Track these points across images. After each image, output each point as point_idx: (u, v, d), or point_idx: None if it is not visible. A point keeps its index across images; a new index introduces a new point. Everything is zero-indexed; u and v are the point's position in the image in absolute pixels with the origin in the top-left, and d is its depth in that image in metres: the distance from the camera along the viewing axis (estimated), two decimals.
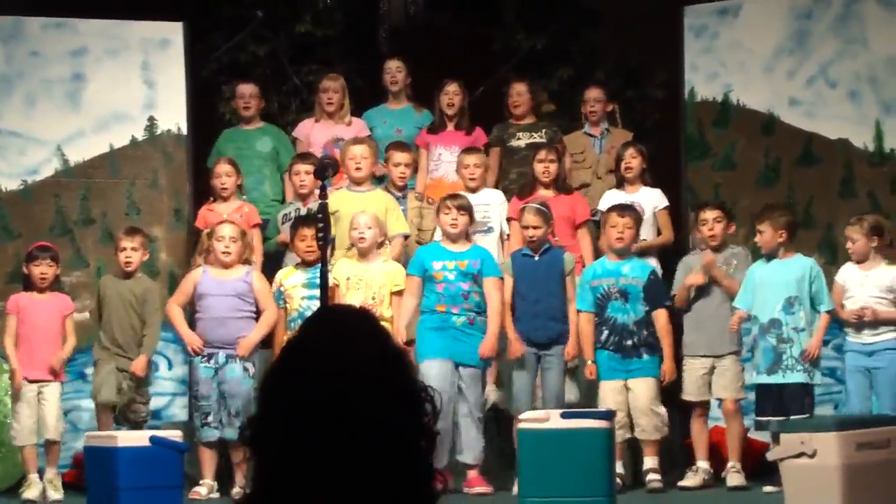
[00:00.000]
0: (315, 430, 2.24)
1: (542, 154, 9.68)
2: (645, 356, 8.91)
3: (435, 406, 2.32)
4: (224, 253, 9.11)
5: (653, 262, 9.34)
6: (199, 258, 9.37)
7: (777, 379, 8.80)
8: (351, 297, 8.92)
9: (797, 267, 8.82)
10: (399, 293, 9.02)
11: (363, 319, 2.37)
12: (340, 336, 2.32)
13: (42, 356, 9.15)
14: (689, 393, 9.06)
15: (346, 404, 2.24)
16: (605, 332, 8.94)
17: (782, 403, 8.75)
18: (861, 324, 8.78)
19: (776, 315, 8.81)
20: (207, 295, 9.13)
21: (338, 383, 2.25)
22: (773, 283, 8.82)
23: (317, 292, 9.03)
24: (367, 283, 9.01)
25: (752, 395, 9.04)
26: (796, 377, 8.77)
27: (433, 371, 8.58)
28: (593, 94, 10.31)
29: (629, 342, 8.90)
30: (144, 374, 9.18)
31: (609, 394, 8.84)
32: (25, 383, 9.14)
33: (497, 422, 9.35)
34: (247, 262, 9.23)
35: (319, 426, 2.24)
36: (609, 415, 8.28)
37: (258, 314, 9.20)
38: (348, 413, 2.23)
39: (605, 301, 8.95)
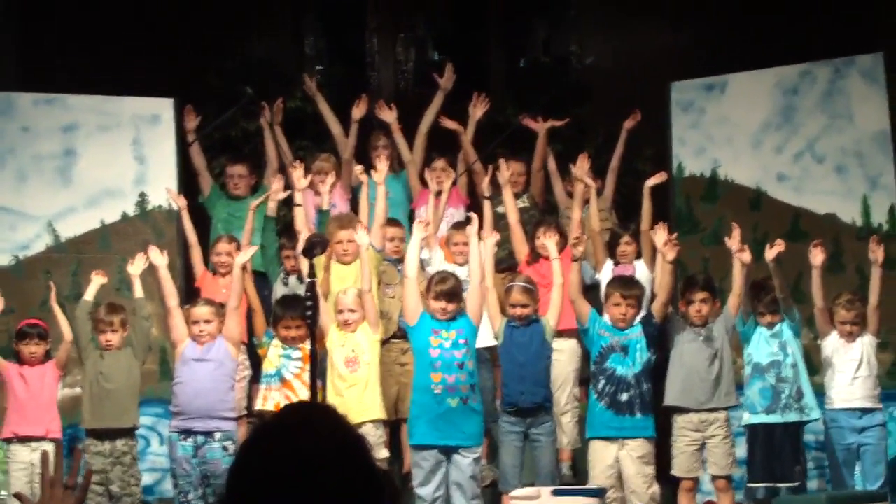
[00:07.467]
0: None
1: (540, 231, 9.69)
2: (638, 414, 8.81)
3: (395, 490, 2.50)
4: (199, 335, 9.08)
5: None
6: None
7: (775, 419, 8.88)
8: (335, 353, 9.01)
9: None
10: (381, 343, 9.19)
11: (326, 411, 2.55)
12: (305, 423, 2.49)
13: (35, 417, 9.16)
14: (680, 469, 9.03)
15: (310, 486, 2.38)
16: (602, 382, 8.86)
17: (773, 447, 8.81)
18: (848, 389, 8.92)
19: (775, 357, 8.93)
20: (189, 360, 9.07)
21: (302, 466, 2.40)
22: (767, 335, 9.04)
23: (293, 353, 9.08)
24: (350, 341, 9.09)
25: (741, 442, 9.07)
26: (793, 416, 8.90)
27: (425, 460, 8.57)
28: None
29: (624, 396, 8.80)
30: None
31: (601, 468, 8.78)
32: (19, 448, 9.14)
33: (484, 497, 9.30)
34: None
35: None
36: (601, 492, 8.29)
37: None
38: (312, 494, 2.38)
39: (606, 352, 8.91)
